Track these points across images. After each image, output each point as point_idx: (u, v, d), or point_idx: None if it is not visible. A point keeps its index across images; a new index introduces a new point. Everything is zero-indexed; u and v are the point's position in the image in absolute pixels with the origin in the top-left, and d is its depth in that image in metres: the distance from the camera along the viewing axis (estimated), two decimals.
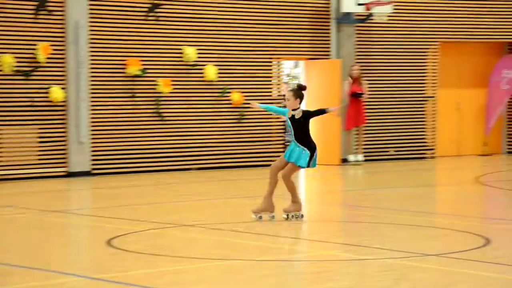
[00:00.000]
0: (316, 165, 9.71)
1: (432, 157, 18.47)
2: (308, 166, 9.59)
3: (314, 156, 9.63)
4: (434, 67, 18.56)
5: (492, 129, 19.31)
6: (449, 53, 18.93)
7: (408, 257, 7.73)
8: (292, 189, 9.68)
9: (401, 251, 7.96)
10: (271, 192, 9.65)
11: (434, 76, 18.57)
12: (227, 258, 7.76)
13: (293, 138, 9.70)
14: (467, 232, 9.00)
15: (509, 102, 19.39)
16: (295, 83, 19.07)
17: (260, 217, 9.69)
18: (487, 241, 8.35)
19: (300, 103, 9.69)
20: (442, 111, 18.76)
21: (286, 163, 9.66)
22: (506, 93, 19.15)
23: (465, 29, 18.81)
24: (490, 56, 19.44)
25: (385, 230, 9.34)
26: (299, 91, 9.66)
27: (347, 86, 17.28)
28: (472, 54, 19.33)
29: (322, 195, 13.32)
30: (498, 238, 8.62)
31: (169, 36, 16.10)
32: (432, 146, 18.60)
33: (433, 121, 18.57)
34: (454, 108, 19.20)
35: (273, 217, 9.71)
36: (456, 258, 7.64)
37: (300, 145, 9.62)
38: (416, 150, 18.44)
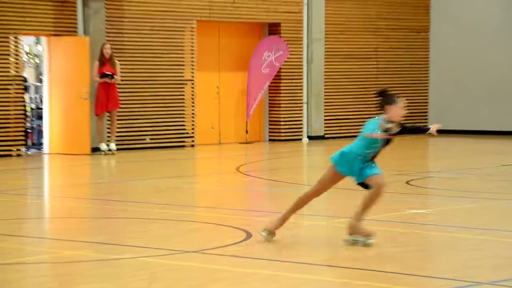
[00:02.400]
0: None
1: (192, 146, 18.83)
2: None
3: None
4: (192, 48, 18.89)
5: (253, 116, 20.00)
6: (208, 33, 19.35)
7: (164, 254, 7.85)
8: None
9: (157, 248, 8.06)
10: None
11: (192, 58, 18.90)
12: None
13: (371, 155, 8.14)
14: (227, 225, 9.28)
15: (269, 87, 20.14)
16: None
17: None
18: (247, 235, 8.67)
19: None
20: (201, 96, 19.16)
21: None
22: (267, 77, 19.85)
23: (223, 8, 19.24)
24: (251, 38, 20.11)
25: (139, 226, 9.41)
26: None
27: (96, 67, 17.13)
28: (232, 35, 19.88)
29: (68, 189, 13.14)
30: (258, 232, 8.96)
31: None
32: (192, 133, 18.95)
33: (193, 106, 18.92)
34: (214, 93, 19.67)
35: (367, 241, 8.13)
36: (215, 254, 7.85)
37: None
38: (174, 138, 18.70)
